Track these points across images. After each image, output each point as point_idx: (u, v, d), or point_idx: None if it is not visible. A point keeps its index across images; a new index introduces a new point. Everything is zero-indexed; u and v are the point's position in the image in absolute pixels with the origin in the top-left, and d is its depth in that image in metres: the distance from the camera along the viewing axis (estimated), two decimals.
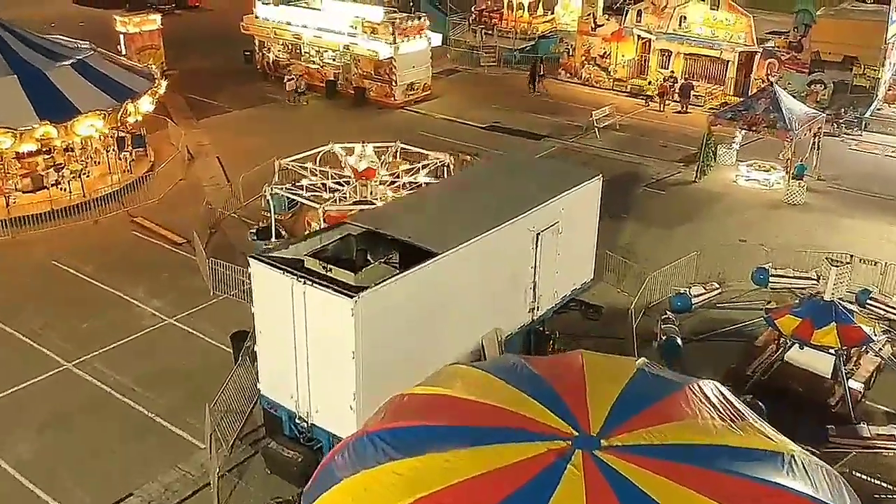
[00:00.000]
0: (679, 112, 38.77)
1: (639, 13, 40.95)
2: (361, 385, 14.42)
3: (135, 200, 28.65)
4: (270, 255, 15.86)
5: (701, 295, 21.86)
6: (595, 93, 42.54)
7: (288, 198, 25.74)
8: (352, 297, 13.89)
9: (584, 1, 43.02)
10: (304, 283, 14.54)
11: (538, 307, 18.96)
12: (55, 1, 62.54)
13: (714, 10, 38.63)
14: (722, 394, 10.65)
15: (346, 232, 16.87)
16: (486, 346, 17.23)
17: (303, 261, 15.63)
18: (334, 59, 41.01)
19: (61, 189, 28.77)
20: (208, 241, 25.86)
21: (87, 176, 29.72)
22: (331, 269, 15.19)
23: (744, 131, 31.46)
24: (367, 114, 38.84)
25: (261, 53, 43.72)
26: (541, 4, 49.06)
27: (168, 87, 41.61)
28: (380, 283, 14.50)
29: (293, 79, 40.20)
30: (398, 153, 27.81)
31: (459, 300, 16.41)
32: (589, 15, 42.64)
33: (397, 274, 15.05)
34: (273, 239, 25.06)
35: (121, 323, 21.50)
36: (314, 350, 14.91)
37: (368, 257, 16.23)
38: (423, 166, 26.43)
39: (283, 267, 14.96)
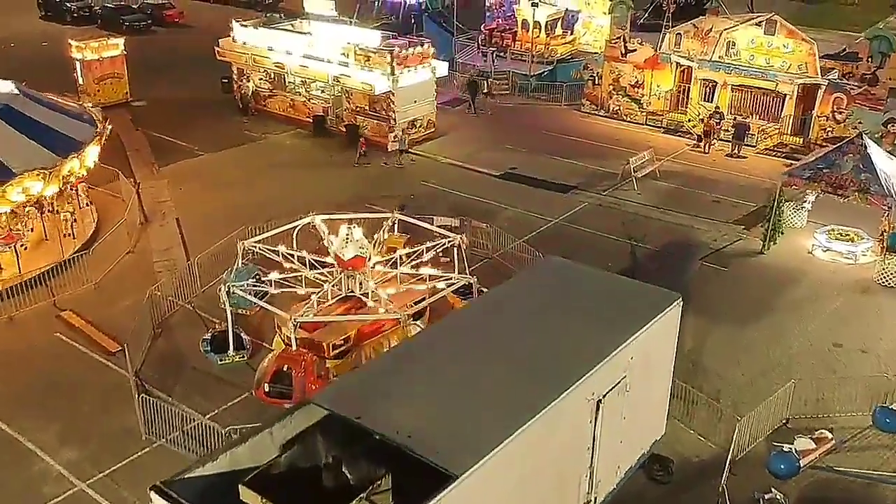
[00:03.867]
0: (730, 156, 32.86)
1: (678, 37, 35.11)
2: None
3: (66, 284, 22.79)
4: (189, 476, 10.03)
5: (809, 452, 15.94)
6: (626, 128, 36.71)
7: (254, 292, 19.92)
8: None
9: (611, 22, 37.10)
10: None
11: (595, 498, 13.15)
12: (22, 16, 56.76)
13: (769, 35, 32.73)
14: None
15: (311, 420, 11.05)
16: None
17: (237, 490, 9.83)
18: (323, 91, 35.19)
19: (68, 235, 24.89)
20: (150, 348, 20.09)
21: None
22: None
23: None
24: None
25: (239, 83, 37.84)
26: (559, 23, 43.18)
27: (131, 123, 36.30)
28: None
29: (396, 137, 32.61)
30: (395, 225, 22.05)
31: None
32: (618, 38, 36.76)
33: None
34: (231, 351, 19.26)
35: (13, 492, 15.66)
36: None
37: (345, 471, 10.39)
38: (429, 248, 20.63)
39: None
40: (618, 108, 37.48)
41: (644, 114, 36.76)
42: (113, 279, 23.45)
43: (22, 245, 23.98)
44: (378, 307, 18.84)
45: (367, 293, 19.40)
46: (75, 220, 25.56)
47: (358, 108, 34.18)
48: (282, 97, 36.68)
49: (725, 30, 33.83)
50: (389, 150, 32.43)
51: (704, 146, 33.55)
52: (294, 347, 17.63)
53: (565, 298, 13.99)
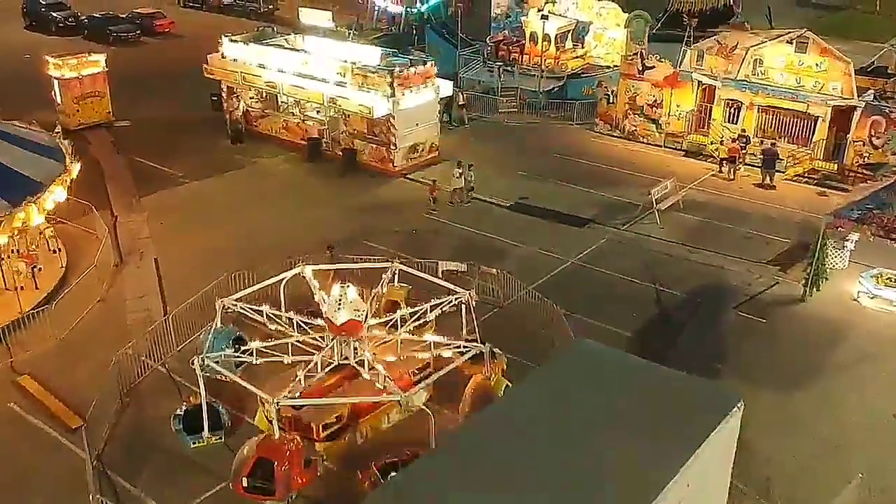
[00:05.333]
0: (761, 185, 30.33)
1: (700, 54, 32.61)
2: None
3: (27, 341, 20.34)
4: None
5: None
6: (642, 151, 34.22)
7: (233, 360, 17.46)
8: None
9: (628, 37, 34.61)
10: None
11: None
12: (5, 26, 54.22)
13: (800, 52, 30.25)
14: None
15: None
16: None
17: None
18: (318, 112, 32.73)
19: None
20: (116, 422, 17.63)
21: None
22: None
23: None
24: (357, 184, 30.53)
25: (229, 102, 35.32)
26: (569, 35, 40.66)
27: (113, 147, 33.89)
28: None
29: (461, 174, 28.81)
30: (396, 276, 19.58)
31: None
32: (635, 54, 34.27)
33: None
34: (205, 432, 16.74)
35: None
36: None
37: None
38: (433, 307, 18.15)
39: None
40: (634, 128, 34.99)
41: (662, 135, 34.27)
42: (80, 334, 20.98)
43: (37, 267, 22.94)
44: (375, 381, 16.40)
45: (364, 363, 16.98)
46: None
47: (356, 131, 31.72)
48: (274, 118, 34.21)
49: (752, 46, 31.36)
50: (453, 186, 29.06)
51: (729, 172, 31.06)
52: (277, 434, 15.17)
53: (605, 402, 11.39)
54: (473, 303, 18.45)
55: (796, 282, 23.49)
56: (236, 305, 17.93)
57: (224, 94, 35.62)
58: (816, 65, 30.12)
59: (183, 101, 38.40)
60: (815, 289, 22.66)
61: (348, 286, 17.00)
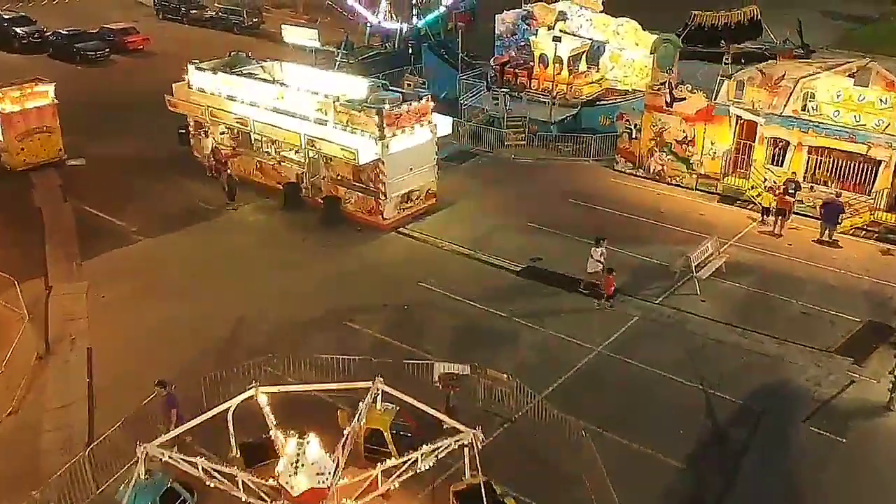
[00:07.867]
0: (820, 241, 25.82)
1: (740, 85, 28.09)
2: None
3: None
4: None
5: None
6: (670, 194, 29.68)
7: None
8: None
9: (654, 64, 30.08)
10: None
11: None
12: None
13: (861, 86, 25.73)
14: None
15: None
16: None
17: None
18: (297, 153, 28.22)
19: None
20: None
21: None
22: None
23: None
24: (340, 240, 25.99)
25: (198, 137, 30.94)
26: (583, 58, 36.08)
27: (60, 192, 29.38)
28: None
29: (602, 252, 22.54)
30: (379, 397, 15.09)
31: None
32: (662, 84, 29.75)
33: None
34: None
35: None
36: None
37: None
38: (426, 455, 13.65)
39: None
40: (661, 168, 30.46)
41: (694, 177, 29.76)
42: None
43: None
44: None
45: None
46: None
47: (340, 177, 27.20)
48: (247, 158, 29.69)
49: (802, 78, 26.85)
50: (589, 270, 22.86)
51: (776, 226, 26.53)
52: None
53: None
54: (479, 445, 13.99)
55: (875, 380, 19.10)
56: (163, 455, 13.42)
57: (191, 127, 31.25)
58: (881, 100, 25.61)
59: (149, 132, 33.89)
60: None
61: (308, 441, 12.52)
